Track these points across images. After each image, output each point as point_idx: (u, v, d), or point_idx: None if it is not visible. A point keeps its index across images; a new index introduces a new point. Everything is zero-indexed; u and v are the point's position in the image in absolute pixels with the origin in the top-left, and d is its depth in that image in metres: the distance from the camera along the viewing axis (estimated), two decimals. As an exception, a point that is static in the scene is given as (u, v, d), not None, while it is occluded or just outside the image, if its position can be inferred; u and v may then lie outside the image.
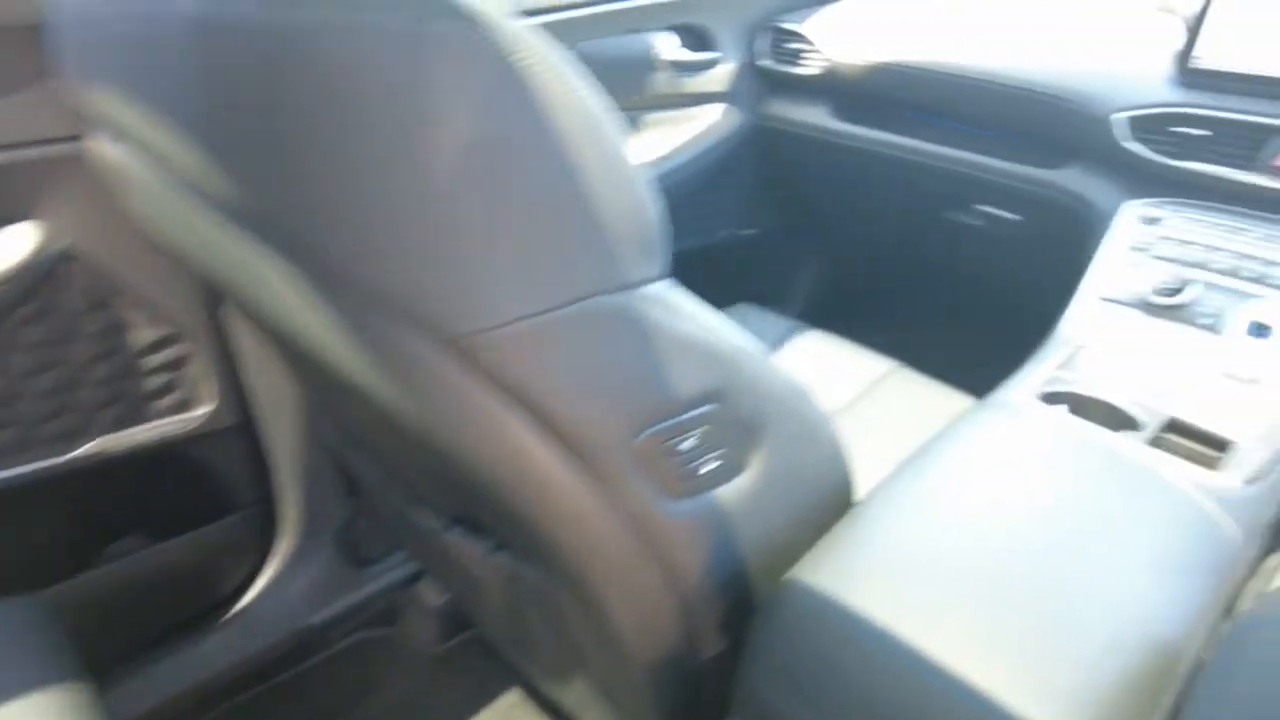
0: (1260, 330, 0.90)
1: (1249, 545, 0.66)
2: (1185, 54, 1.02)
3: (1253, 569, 0.67)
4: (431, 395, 0.42)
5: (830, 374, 1.12)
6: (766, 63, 1.43)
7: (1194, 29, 1.01)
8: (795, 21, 1.39)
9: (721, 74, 1.40)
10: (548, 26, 1.17)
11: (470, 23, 0.36)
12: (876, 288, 1.88)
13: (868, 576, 0.55)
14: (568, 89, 0.40)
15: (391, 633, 1.19)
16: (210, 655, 1.05)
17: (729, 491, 0.54)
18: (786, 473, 0.57)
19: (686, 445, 0.49)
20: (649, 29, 1.31)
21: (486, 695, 1.12)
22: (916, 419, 1.03)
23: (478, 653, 1.15)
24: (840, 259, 1.84)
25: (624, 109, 1.36)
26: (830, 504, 0.63)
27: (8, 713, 0.61)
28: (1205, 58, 1.01)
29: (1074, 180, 1.15)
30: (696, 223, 1.52)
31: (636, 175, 0.44)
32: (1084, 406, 0.84)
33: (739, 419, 0.52)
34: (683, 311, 0.47)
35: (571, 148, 0.39)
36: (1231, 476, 0.72)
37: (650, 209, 0.45)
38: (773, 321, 1.24)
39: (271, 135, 0.37)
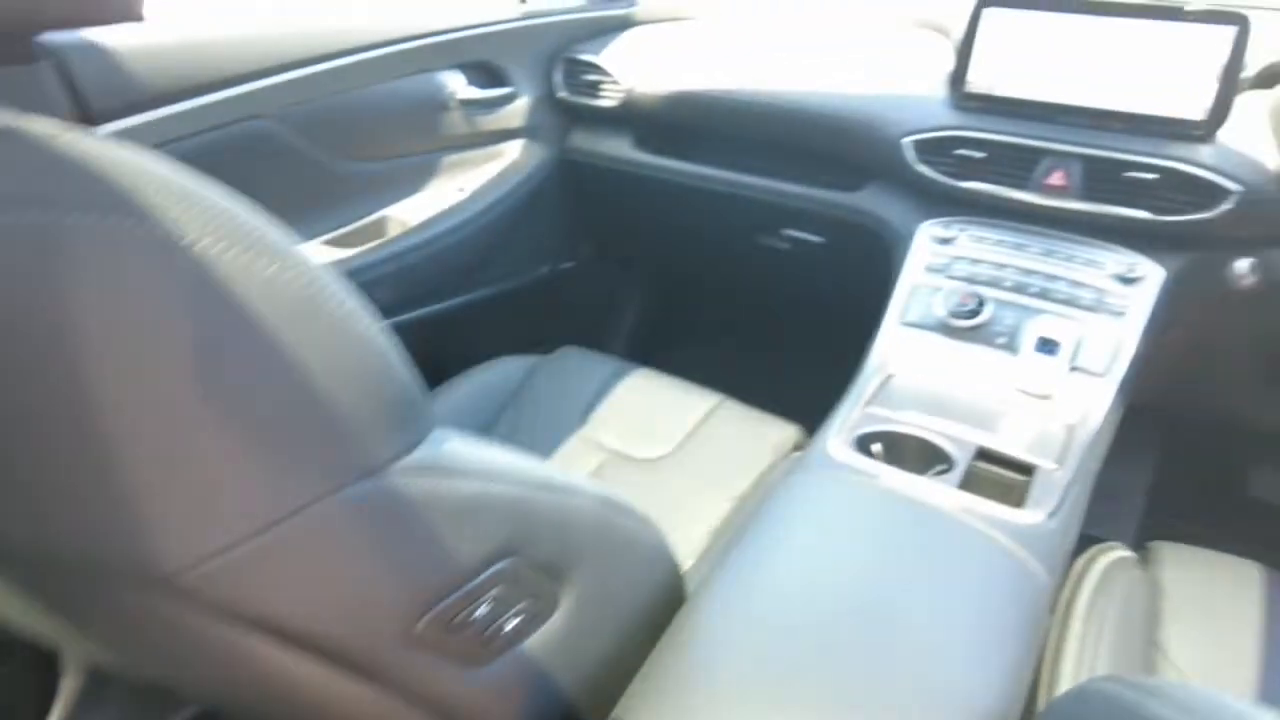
0: (1047, 346, 0.95)
1: (1053, 581, 0.69)
2: (959, 79, 1.06)
3: (1054, 601, 0.70)
4: (164, 645, 0.34)
5: (657, 415, 1.10)
6: (565, 95, 1.38)
7: (964, 55, 1.05)
8: (591, 52, 1.35)
9: (519, 109, 1.35)
10: (329, 74, 1.07)
11: (119, 212, 0.29)
12: (699, 317, 1.90)
13: (690, 709, 0.52)
14: (266, 265, 0.33)
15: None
16: None
17: (540, 639, 0.48)
18: (603, 597, 0.53)
19: (480, 612, 0.43)
20: (436, 69, 1.23)
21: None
22: (745, 456, 1.03)
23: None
24: (661, 290, 1.84)
25: (419, 153, 1.28)
26: (657, 610, 0.59)
27: None
28: (977, 82, 1.06)
29: (872, 202, 1.18)
30: (512, 262, 1.46)
31: (372, 339, 0.37)
32: (899, 445, 0.85)
33: (539, 563, 0.47)
34: (455, 468, 0.41)
35: (277, 336, 0.32)
36: (1035, 512, 0.74)
37: (396, 369, 0.39)
38: (598, 363, 1.20)
39: None
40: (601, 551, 0.52)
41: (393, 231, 1.23)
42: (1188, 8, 0.94)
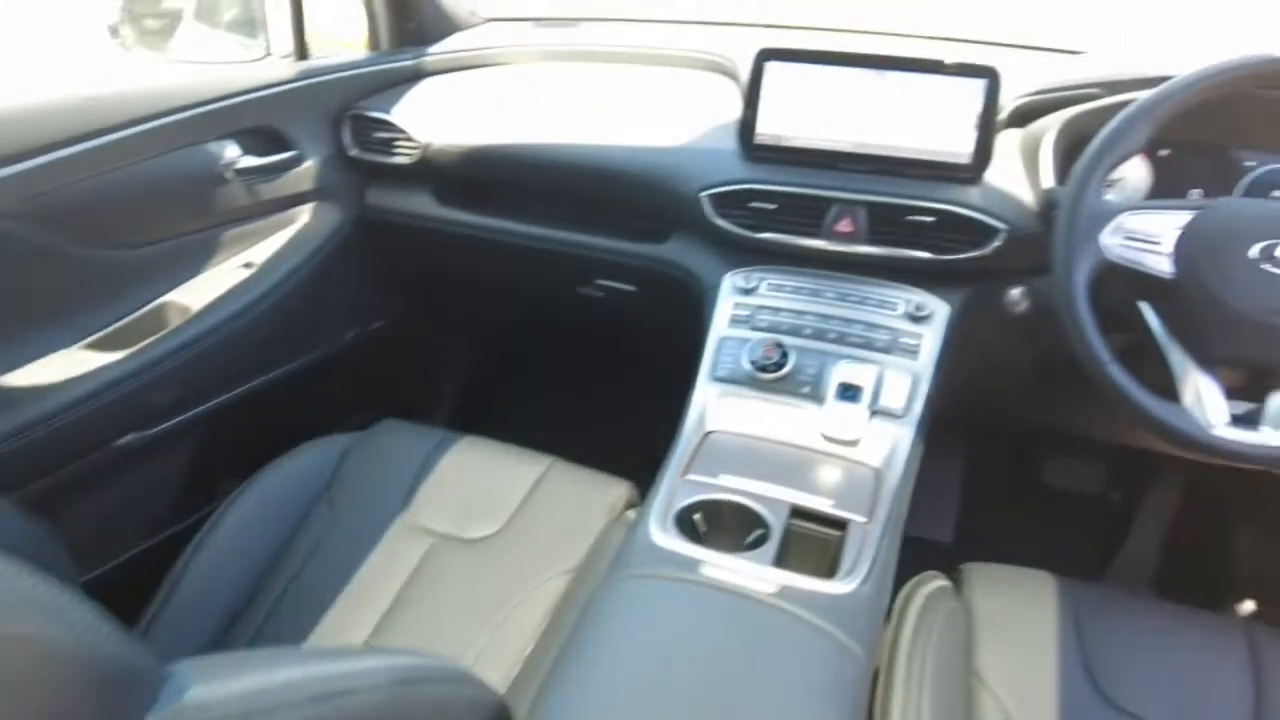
0: (849, 392, 0.98)
1: (869, 653, 0.71)
2: (748, 131, 1.08)
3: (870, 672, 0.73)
4: None
5: (485, 489, 1.06)
6: (357, 153, 1.31)
7: (751, 107, 1.08)
8: (380, 109, 1.29)
9: (306, 172, 1.26)
10: (76, 159, 0.95)
11: None
12: (525, 373, 1.87)
13: None
14: None
15: None
16: None
17: None
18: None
19: None
20: (206, 140, 1.13)
21: None
22: (578, 523, 1.01)
23: None
24: (483, 348, 1.80)
25: (197, 231, 1.17)
26: None
27: None
28: (765, 133, 1.08)
29: (678, 254, 1.19)
30: (316, 332, 1.38)
31: (58, 610, 0.31)
32: (718, 514, 0.86)
33: None
34: (203, 717, 0.36)
35: None
36: (848, 581, 0.76)
37: (102, 649, 0.33)
38: (419, 437, 1.14)
39: None
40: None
41: (175, 320, 1.12)
42: (947, 61, 1.00)
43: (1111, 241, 0.83)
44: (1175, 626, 0.88)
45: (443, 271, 1.51)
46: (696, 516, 0.86)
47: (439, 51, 1.39)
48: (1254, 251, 0.78)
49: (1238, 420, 0.79)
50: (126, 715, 0.32)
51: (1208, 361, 0.82)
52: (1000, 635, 0.85)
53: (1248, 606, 1.45)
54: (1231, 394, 0.82)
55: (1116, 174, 1.01)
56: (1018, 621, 0.87)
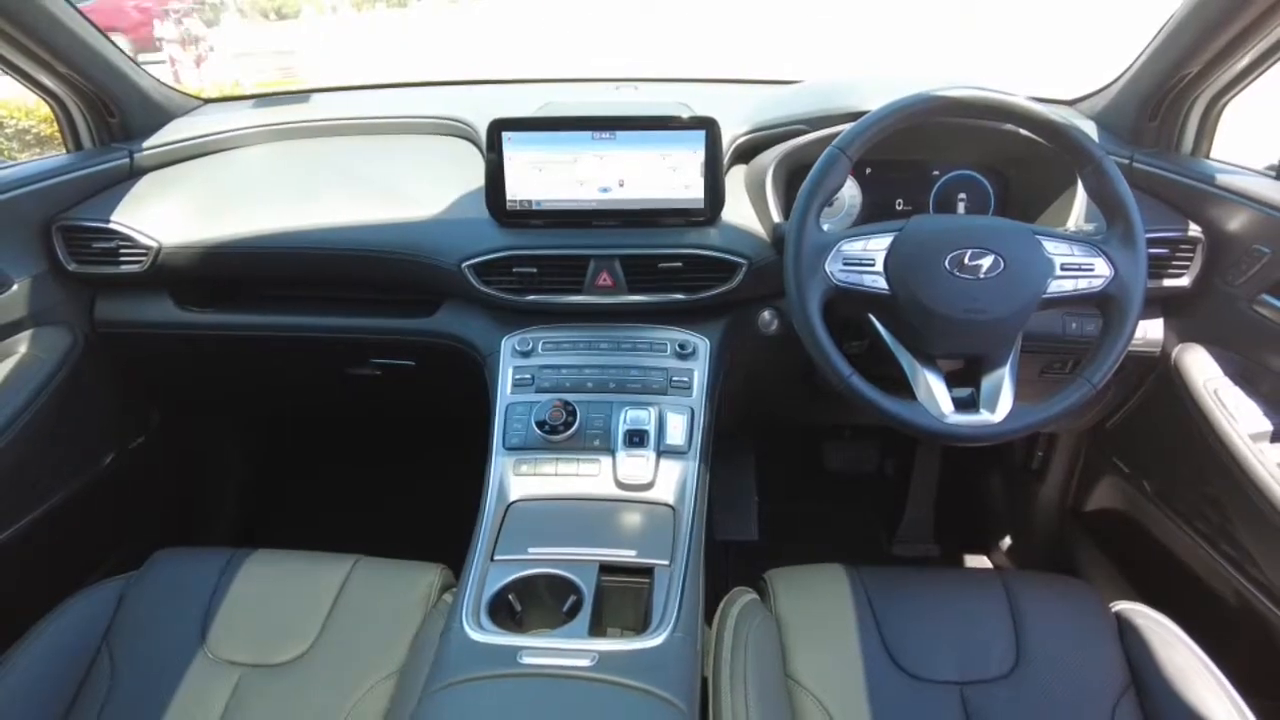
0: (636, 437, 1.03)
1: (688, 699, 0.75)
2: (498, 199, 1.10)
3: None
4: None
5: (288, 605, 1.00)
6: (76, 268, 1.19)
7: (497, 175, 1.09)
8: (94, 216, 1.17)
9: (16, 298, 1.13)
10: None
11: None
12: (314, 470, 1.77)
13: None
14: None
15: None
16: None
17: None
18: None
19: None
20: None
21: None
22: (395, 619, 0.97)
23: None
24: (260, 447, 1.68)
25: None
26: None
27: None
28: (514, 199, 1.11)
29: (450, 324, 1.19)
30: (65, 464, 1.23)
31: None
32: (532, 589, 0.87)
33: None
34: None
35: None
36: (659, 634, 0.81)
37: None
38: (201, 562, 1.06)
39: None
40: None
41: None
42: (669, 116, 1.08)
43: (834, 269, 0.94)
44: (949, 588, 1.02)
45: (196, 377, 1.41)
46: (511, 597, 0.87)
47: (154, 144, 1.29)
48: (946, 263, 0.92)
49: (960, 405, 0.93)
50: None
51: (929, 359, 0.95)
52: (807, 636, 0.94)
53: (1005, 542, 1.68)
54: (953, 381, 0.95)
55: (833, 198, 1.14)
56: (821, 620, 0.96)
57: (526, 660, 0.77)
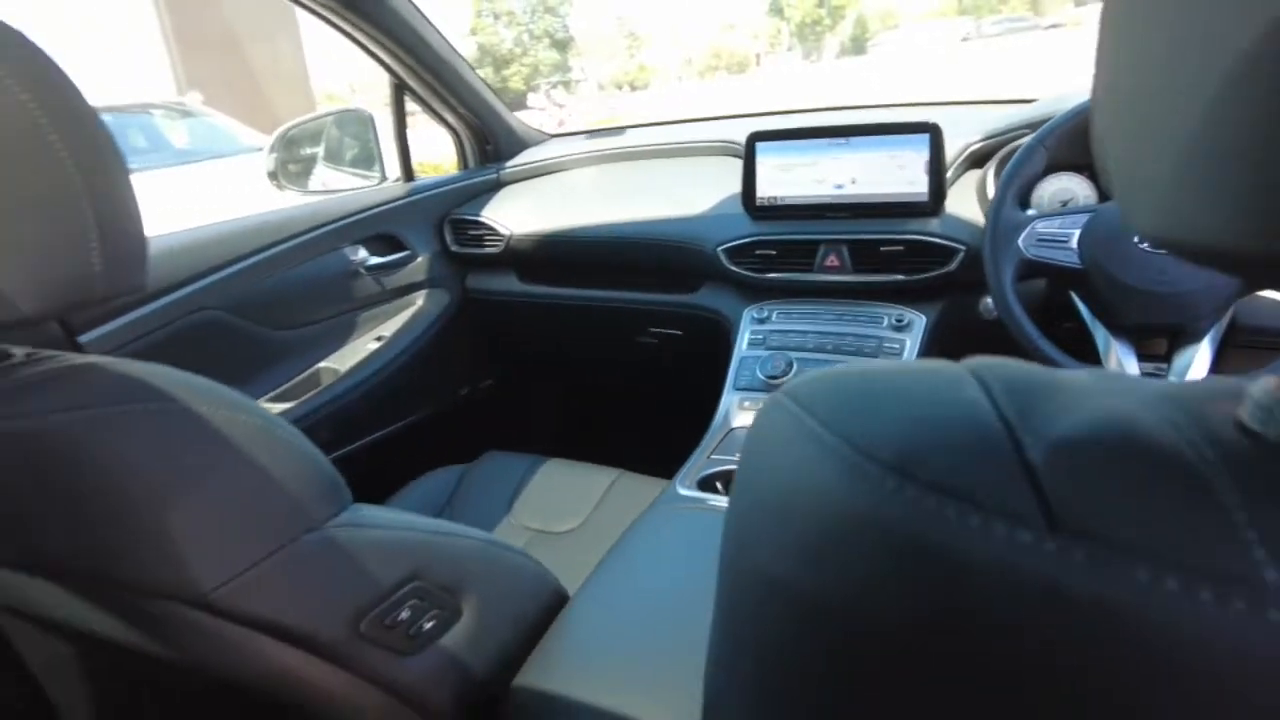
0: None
1: None
2: (749, 196, 1.38)
3: None
4: (197, 644, 0.56)
5: (568, 496, 1.34)
6: (456, 249, 1.68)
7: (749, 177, 1.37)
8: (471, 212, 1.65)
9: (419, 266, 1.63)
10: (257, 265, 1.34)
11: (149, 400, 0.54)
12: (601, 410, 2.17)
13: (568, 666, 0.75)
14: (239, 415, 0.58)
15: None
16: None
17: (453, 637, 0.71)
18: (497, 605, 0.76)
19: (403, 616, 0.66)
20: (344, 246, 1.51)
21: None
22: (636, 516, 1.27)
23: None
24: (567, 392, 2.11)
25: (341, 314, 1.54)
26: (541, 613, 0.82)
27: None
28: (763, 196, 1.37)
29: (707, 299, 1.48)
30: (437, 387, 1.71)
31: (307, 451, 0.62)
32: (729, 480, 1.11)
33: (440, 584, 0.70)
34: (369, 525, 0.65)
35: (252, 453, 0.57)
36: None
37: (325, 468, 0.63)
38: (516, 461, 1.44)
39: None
40: (489, 574, 0.76)
41: (327, 381, 1.48)
42: (896, 122, 1.28)
43: (1027, 245, 1.07)
44: None
45: (530, 335, 1.84)
46: (717, 483, 1.11)
47: (514, 165, 1.76)
48: (1136, 238, 1.01)
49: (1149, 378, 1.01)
50: (330, 508, 0.62)
51: (1121, 330, 1.04)
52: None
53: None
54: (1145, 358, 1.03)
55: (1049, 191, 1.25)
56: None
57: (717, 503, 1.01)
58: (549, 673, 0.75)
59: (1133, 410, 0.25)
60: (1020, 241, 1.07)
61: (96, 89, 0.57)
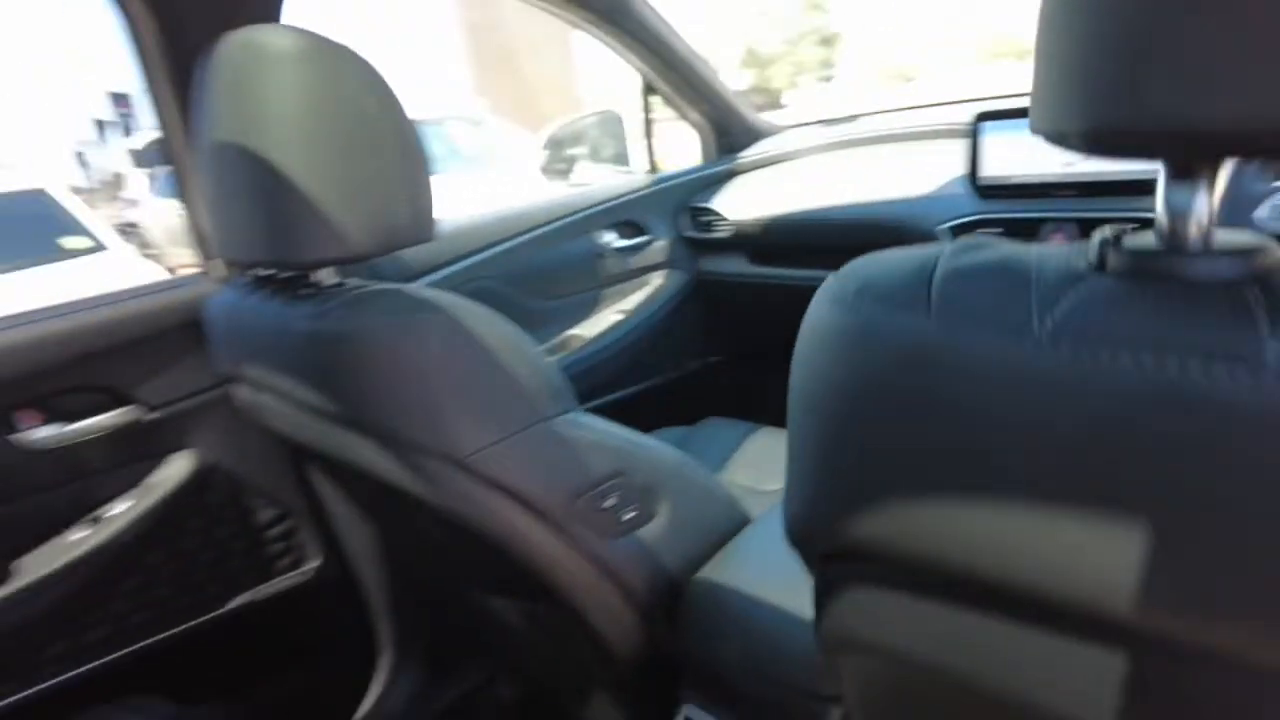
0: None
1: None
2: (973, 176, 1.40)
3: None
4: (453, 495, 0.77)
5: (778, 461, 1.45)
6: (691, 234, 1.85)
7: (973, 157, 1.40)
8: (705, 200, 1.82)
9: (658, 249, 1.82)
10: (526, 244, 1.60)
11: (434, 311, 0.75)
12: None
13: (740, 567, 0.87)
14: (493, 330, 0.78)
15: (473, 730, 1.48)
16: None
17: (648, 531, 0.87)
18: (687, 514, 0.91)
19: (608, 504, 0.83)
20: (595, 230, 1.74)
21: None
22: None
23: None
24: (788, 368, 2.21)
25: (590, 289, 1.77)
26: (725, 527, 0.95)
27: None
28: (987, 175, 1.39)
29: None
30: (669, 358, 1.90)
31: (539, 358, 0.81)
32: None
33: (639, 485, 0.86)
34: (587, 427, 0.83)
35: (499, 357, 0.77)
36: None
37: (554, 374, 0.82)
38: (733, 427, 1.58)
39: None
40: (683, 487, 0.91)
41: (575, 346, 1.71)
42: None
43: (1264, 215, 1.02)
44: None
45: (757, 313, 1.97)
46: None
47: (748, 156, 1.90)
48: None
49: None
50: (560, 406, 0.80)
51: None
52: None
53: None
54: None
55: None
56: None
57: None
58: (724, 569, 0.88)
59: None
60: (1257, 213, 1.02)
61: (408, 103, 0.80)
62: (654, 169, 1.90)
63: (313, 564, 1.31)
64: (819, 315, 0.48)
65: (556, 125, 2.10)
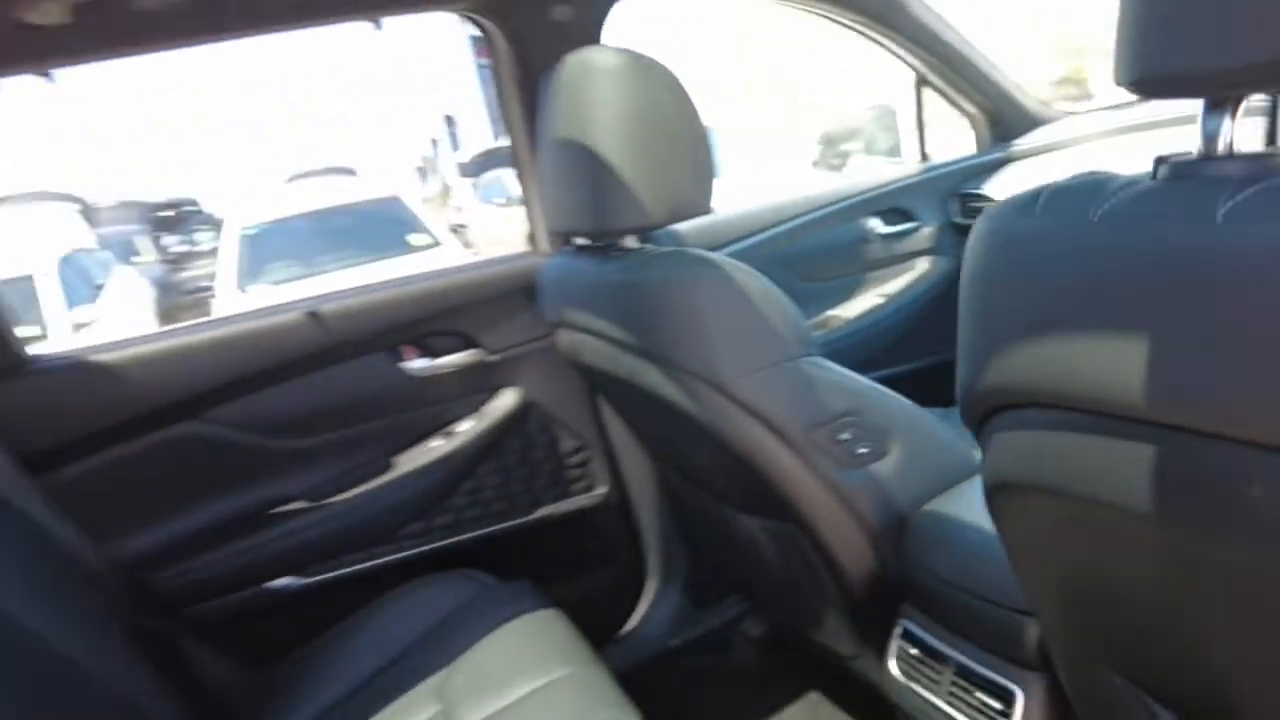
0: None
1: None
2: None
3: None
4: (714, 413, 0.96)
5: None
6: (960, 220, 1.89)
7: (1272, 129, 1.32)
8: (977, 186, 1.85)
9: (923, 236, 1.89)
10: (800, 228, 1.77)
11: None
12: None
13: (964, 502, 0.97)
14: (749, 281, 0.96)
15: (724, 657, 1.67)
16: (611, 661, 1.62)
17: (880, 466, 1.00)
18: (917, 456, 1.02)
19: (843, 437, 0.97)
20: (861, 217, 1.85)
21: (792, 700, 1.54)
22: None
23: (786, 669, 1.59)
24: None
25: (854, 273, 1.89)
26: (957, 473, 1.05)
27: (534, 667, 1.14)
28: None
29: None
30: (931, 342, 1.96)
31: (791, 310, 0.97)
32: None
33: (872, 425, 0.99)
34: (827, 369, 0.97)
35: (759, 305, 0.94)
36: None
37: (800, 323, 0.98)
38: None
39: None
40: (917, 432, 1.02)
41: (834, 325, 1.84)
42: None
43: None
44: None
45: None
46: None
47: (1022, 144, 1.90)
48: None
49: None
50: (805, 350, 0.96)
51: None
52: None
53: None
54: None
55: None
56: None
57: None
58: (949, 504, 0.99)
59: None
60: None
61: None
62: (924, 158, 1.96)
63: (601, 490, 1.59)
64: (974, 230, 0.64)
65: (833, 123, 2.24)
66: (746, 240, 1.73)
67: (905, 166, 1.97)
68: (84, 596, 1.18)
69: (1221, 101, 0.48)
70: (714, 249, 1.69)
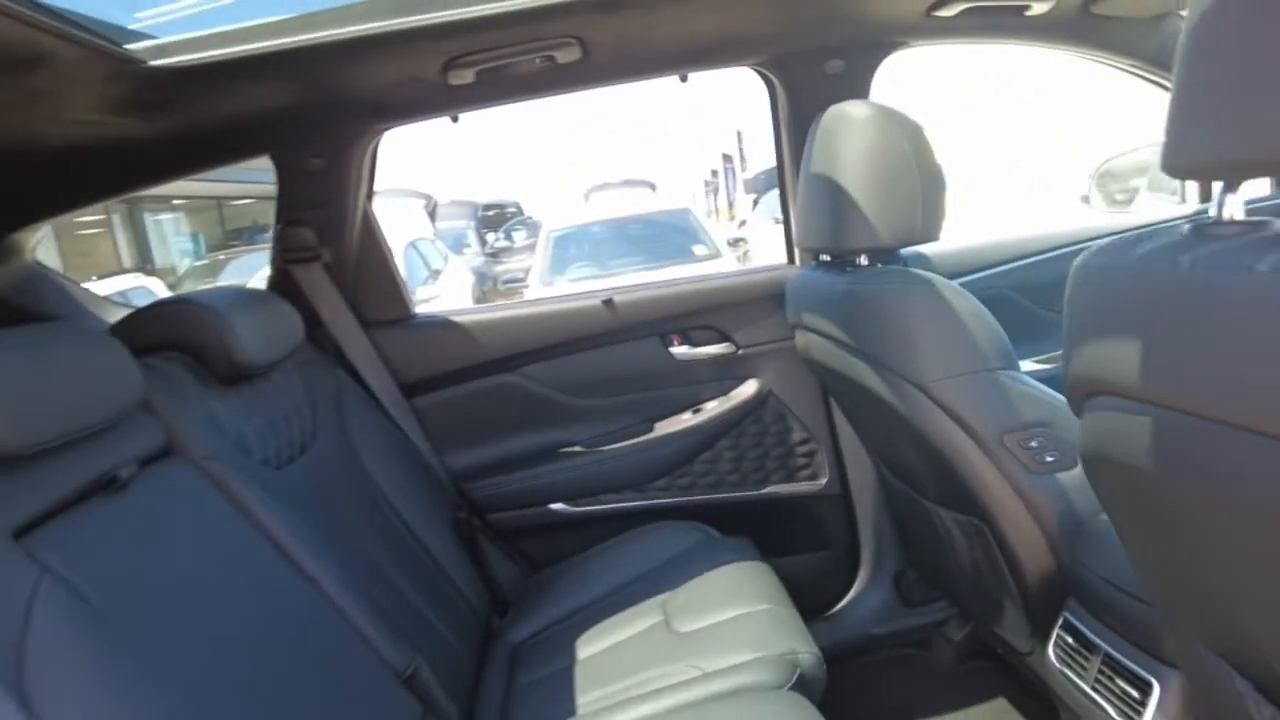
0: None
1: None
2: None
3: None
4: (917, 411, 1.13)
5: None
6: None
7: None
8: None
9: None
10: (1044, 262, 1.84)
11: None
12: None
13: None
14: (959, 300, 1.12)
15: (924, 653, 1.79)
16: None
17: (1067, 476, 1.10)
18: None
19: (1032, 444, 1.10)
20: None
21: (978, 703, 1.63)
22: None
23: (979, 674, 1.68)
24: None
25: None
26: None
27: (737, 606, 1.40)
28: None
29: None
30: None
31: (994, 328, 1.12)
32: None
33: (1061, 438, 1.10)
34: (1023, 382, 1.11)
35: (962, 317, 1.11)
36: None
37: (1003, 340, 1.12)
38: None
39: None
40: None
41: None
42: None
43: None
44: None
45: None
46: None
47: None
48: None
49: None
50: (1001, 362, 1.11)
51: None
52: None
53: None
54: None
55: None
56: None
57: None
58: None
59: None
60: None
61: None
62: (1205, 201, 1.91)
63: (823, 480, 1.78)
64: (1080, 260, 0.75)
65: (1110, 156, 2.23)
66: (988, 270, 1.83)
67: (1186, 206, 1.94)
68: (432, 496, 1.63)
69: (1233, 184, 0.60)
70: (964, 274, 1.82)
